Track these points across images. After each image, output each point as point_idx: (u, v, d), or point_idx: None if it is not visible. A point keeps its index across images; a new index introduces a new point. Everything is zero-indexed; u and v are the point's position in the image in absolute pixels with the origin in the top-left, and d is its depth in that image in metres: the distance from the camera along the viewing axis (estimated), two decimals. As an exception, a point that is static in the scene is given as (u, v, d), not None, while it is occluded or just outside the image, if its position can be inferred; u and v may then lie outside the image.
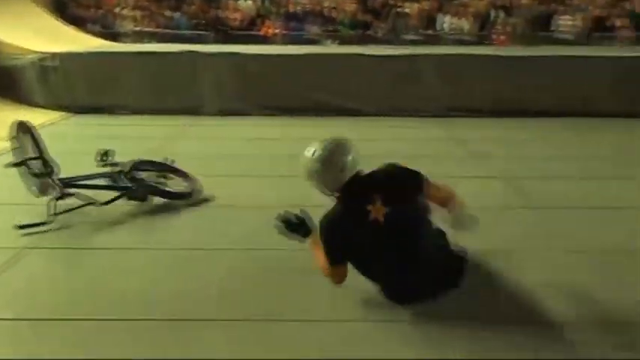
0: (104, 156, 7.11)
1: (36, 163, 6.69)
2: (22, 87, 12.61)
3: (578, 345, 4.31)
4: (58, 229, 6.40)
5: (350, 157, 4.77)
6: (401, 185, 4.82)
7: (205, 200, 7.13)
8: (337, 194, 4.77)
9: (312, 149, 4.87)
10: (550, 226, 6.65)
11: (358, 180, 4.70)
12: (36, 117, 11.26)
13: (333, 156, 4.72)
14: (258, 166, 8.95)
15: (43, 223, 6.29)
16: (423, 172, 4.91)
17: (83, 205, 6.65)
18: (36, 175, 6.64)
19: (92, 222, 6.55)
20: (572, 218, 6.83)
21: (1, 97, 12.25)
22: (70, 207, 6.60)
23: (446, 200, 4.96)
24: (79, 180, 6.86)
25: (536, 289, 5.03)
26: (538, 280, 5.20)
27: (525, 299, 4.92)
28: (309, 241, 4.98)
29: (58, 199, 6.50)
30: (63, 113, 12.31)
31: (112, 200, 6.80)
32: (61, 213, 6.47)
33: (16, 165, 6.71)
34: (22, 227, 6.21)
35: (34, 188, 6.76)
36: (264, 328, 4.51)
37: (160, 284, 5.22)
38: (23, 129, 6.98)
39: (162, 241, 6.21)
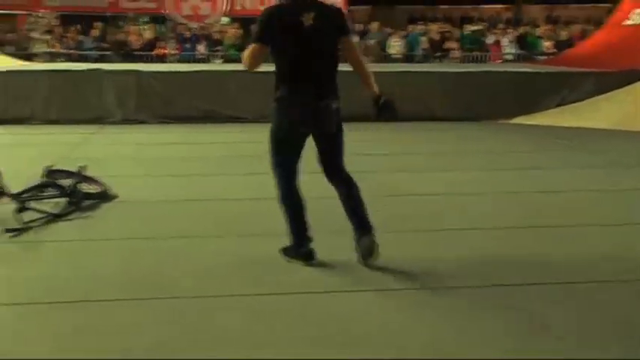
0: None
1: None
2: None
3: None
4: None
5: None
6: (334, 17, 5.16)
7: (114, 198, 7.02)
8: None
9: None
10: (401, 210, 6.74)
11: None
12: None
13: None
14: (157, 166, 9.06)
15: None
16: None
17: (46, 217, 6.28)
18: None
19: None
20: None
21: None
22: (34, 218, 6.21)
23: (366, 76, 5.13)
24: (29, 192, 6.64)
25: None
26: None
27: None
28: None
29: (19, 211, 6.15)
30: None
31: (68, 213, 6.49)
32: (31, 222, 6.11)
33: None
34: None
35: None
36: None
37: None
38: None
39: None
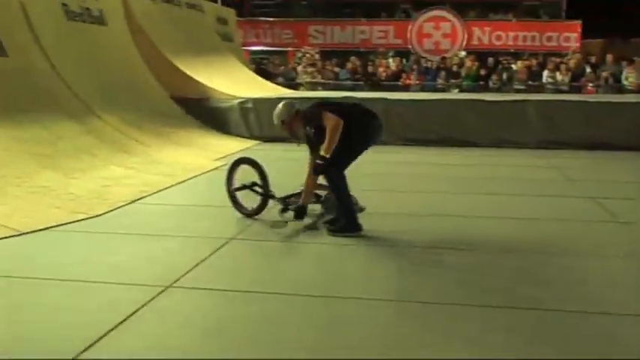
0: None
1: (258, 188, 7.02)
2: (229, 122, 13.32)
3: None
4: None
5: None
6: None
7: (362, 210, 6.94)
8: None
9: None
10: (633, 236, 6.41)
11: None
12: (238, 144, 12.26)
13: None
14: (399, 183, 9.13)
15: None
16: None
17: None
18: (262, 195, 6.95)
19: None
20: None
21: (215, 129, 13.08)
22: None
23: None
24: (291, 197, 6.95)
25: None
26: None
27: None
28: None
29: (283, 211, 6.61)
30: (256, 141, 12.91)
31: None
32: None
33: (242, 188, 7.10)
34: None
35: (249, 208, 7.01)
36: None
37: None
38: (246, 162, 7.41)
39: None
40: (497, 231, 6.56)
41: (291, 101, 7.06)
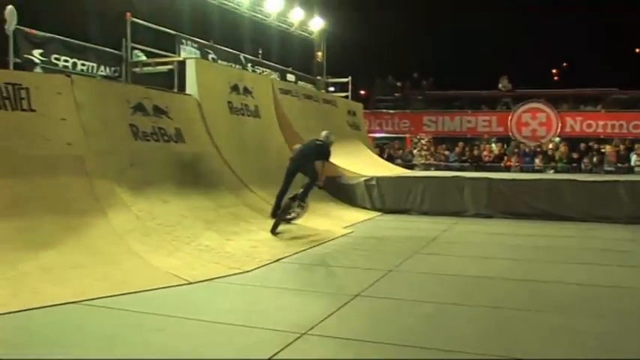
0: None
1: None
2: (355, 197, 13.39)
3: None
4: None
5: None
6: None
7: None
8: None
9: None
10: None
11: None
12: (363, 215, 12.40)
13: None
14: (501, 250, 8.94)
15: None
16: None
17: None
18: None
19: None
20: None
21: (345, 202, 13.18)
22: None
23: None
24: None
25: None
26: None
27: None
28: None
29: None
30: (379, 213, 12.92)
31: None
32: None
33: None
34: None
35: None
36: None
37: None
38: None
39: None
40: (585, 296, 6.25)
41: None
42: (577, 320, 5.34)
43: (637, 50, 41.11)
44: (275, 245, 8.53)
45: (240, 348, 4.49)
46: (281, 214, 9.63)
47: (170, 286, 6.17)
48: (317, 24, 20.23)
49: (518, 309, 5.69)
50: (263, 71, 16.97)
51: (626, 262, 8.13)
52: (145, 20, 12.20)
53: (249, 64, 16.43)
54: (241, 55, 16.01)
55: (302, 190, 9.94)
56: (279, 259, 7.76)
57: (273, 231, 9.30)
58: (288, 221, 9.88)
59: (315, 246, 8.86)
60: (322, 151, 10.17)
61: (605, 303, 5.99)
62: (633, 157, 19.59)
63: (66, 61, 11.06)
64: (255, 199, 10.61)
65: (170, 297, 5.88)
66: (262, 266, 7.32)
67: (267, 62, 17.49)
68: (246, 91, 12.79)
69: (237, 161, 11.11)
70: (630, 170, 18.98)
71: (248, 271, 7.02)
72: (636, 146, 20.62)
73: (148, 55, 12.55)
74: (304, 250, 8.51)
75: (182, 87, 11.31)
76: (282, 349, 4.40)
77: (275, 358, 4.26)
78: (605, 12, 34.72)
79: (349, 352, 4.55)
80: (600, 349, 4.55)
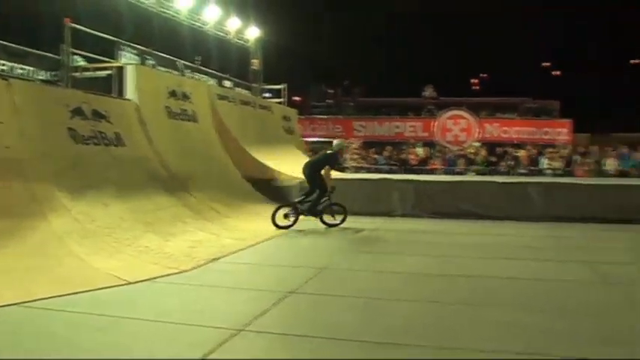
0: None
1: None
2: (290, 198, 12.49)
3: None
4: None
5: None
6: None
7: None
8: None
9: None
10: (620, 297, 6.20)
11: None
12: (297, 215, 12.54)
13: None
14: (429, 248, 9.07)
15: None
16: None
17: None
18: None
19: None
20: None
21: (279, 204, 12.53)
22: None
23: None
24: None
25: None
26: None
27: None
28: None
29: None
30: None
31: None
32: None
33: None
34: None
35: None
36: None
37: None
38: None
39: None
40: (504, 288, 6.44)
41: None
42: (504, 312, 5.49)
43: (544, 64, 42.81)
44: (212, 245, 8.43)
45: (179, 346, 4.43)
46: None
47: (110, 287, 6.02)
48: (253, 33, 20.15)
49: (450, 303, 5.80)
50: (201, 78, 16.76)
51: (548, 256, 8.38)
52: (84, 26, 11.85)
53: (188, 71, 16.21)
54: (180, 62, 15.77)
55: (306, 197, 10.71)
56: (217, 259, 7.66)
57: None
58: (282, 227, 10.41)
59: (251, 246, 8.79)
60: (328, 157, 10.81)
61: (533, 295, 6.16)
62: (544, 161, 20.36)
63: (3, 65, 10.64)
64: (194, 201, 10.47)
65: (110, 297, 5.74)
66: (200, 266, 7.22)
67: (205, 69, 17.31)
68: (185, 96, 12.62)
69: (176, 164, 10.94)
70: (541, 173, 19.70)
71: (186, 271, 6.91)
72: (546, 151, 21.45)
73: (88, 60, 12.20)
74: (241, 249, 8.43)
75: (121, 92, 11.06)
76: (220, 346, 4.37)
77: (213, 354, 4.22)
78: (518, 29, 36.03)
79: (285, 346, 4.55)
80: (532, 340, 4.70)
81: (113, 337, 4.60)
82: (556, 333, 4.83)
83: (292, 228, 10.40)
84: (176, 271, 6.87)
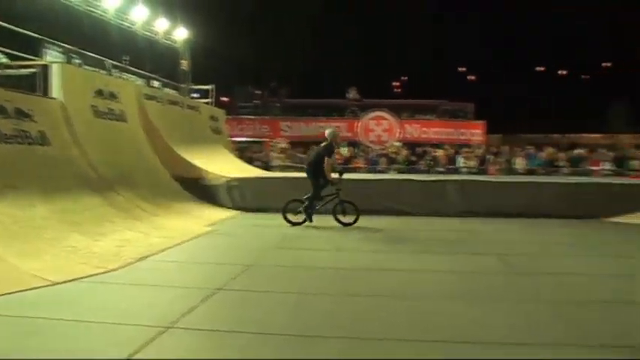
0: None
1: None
2: (217, 197, 13.14)
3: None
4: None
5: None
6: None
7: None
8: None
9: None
10: (524, 283, 6.53)
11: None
12: (225, 213, 12.24)
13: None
14: (353, 243, 9.19)
15: None
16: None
17: None
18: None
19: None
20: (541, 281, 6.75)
21: (207, 202, 12.82)
22: None
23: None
24: None
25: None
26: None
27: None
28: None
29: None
30: (239, 212, 12.74)
31: None
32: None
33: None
34: None
35: None
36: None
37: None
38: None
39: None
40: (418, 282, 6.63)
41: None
42: (422, 302, 5.68)
43: (460, 69, 44.17)
44: (141, 244, 8.28)
45: (104, 345, 4.36)
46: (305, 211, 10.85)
47: (35, 288, 5.83)
48: (181, 34, 19.83)
49: (371, 295, 5.94)
50: (129, 78, 16.34)
51: (462, 249, 8.71)
52: (10, 23, 11.32)
53: (116, 70, 15.77)
54: (107, 61, 15.32)
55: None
56: (145, 257, 7.55)
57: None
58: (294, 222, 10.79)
59: (179, 244, 8.70)
60: (323, 149, 10.80)
61: (448, 286, 6.38)
62: (460, 160, 21.03)
63: None
64: (122, 201, 10.22)
65: (35, 299, 5.56)
66: (128, 265, 7.10)
67: (133, 69, 16.89)
68: (112, 96, 12.30)
69: (104, 163, 10.64)
70: (457, 171, 20.36)
71: (114, 270, 6.78)
72: (462, 150, 22.17)
73: (11, 57, 11.67)
74: (169, 247, 8.33)
75: (46, 91, 10.66)
76: (147, 344, 4.34)
77: (139, 353, 4.18)
78: (436, 35, 37.05)
79: (213, 343, 4.56)
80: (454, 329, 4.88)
81: (36, 340, 4.47)
82: (469, 319, 5.05)
83: (217, 228, 10.35)
84: (103, 270, 6.72)
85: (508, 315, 5.27)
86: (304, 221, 10.76)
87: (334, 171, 10.88)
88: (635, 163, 20.22)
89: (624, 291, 6.19)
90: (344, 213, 10.82)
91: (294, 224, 10.72)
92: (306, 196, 10.86)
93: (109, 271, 6.71)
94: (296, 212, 10.83)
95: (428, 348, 4.41)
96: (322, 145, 11.07)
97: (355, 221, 10.74)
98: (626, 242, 9.65)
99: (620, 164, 20.38)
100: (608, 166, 20.37)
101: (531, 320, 5.12)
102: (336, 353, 4.29)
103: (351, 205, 10.88)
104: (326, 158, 10.71)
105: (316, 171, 10.76)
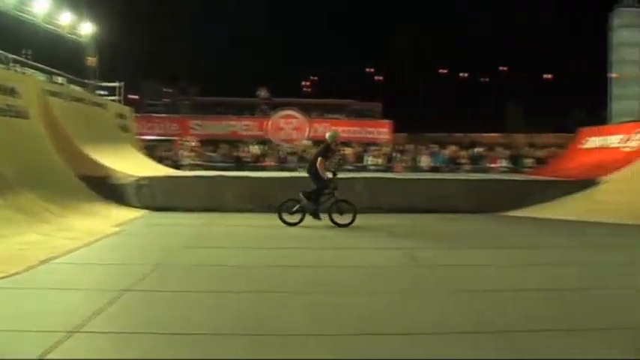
0: None
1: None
2: (125, 196, 12.74)
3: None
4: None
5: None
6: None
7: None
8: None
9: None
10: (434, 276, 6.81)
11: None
12: (133, 213, 11.90)
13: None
14: (262, 241, 9.15)
15: None
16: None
17: None
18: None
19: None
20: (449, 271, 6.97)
21: (114, 202, 12.37)
22: None
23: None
24: None
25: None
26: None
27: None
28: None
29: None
30: (148, 211, 12.42)
31: None
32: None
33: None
34: None
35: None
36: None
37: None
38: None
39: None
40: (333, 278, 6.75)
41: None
42: (327, 297, 5.74)
43: (367, 69, 45.15)
44: (44, 247, 7.90)
45: (6, 354, 4.14)
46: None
47: None
48: (87, 29, 19.05)
49: (277, 292, 5.97)
50: (31, 73, 15.50)
51: (369, 245, 8.93)
52: None
53: (17, 65, 14.93)
54: (5, 55, 14.46)
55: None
56: (48, 260, 7.23)
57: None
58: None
59: (85, 245, 8.38)
60: (319, 150, 10.96)
61: (352, 280, 6.48)
62: (368, 158, 21.54)
63: None
64: (24, 202, 9.71)
65: None
66: (30, 268, 6.77)
67: (35, 63, 16.06)
68: (12, 91, 11.66)
69: (3, 163, 10.06)
70: (365, 169, 20.82)
71: (16, 274, 6.46)
72: (369, 149, 22.72)
73: None
74: (74, 249, 8.01)
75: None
76: (51, 350, 4.17)
77: (44, 359, 4.02)
78: (346, 35, 37.66)
79: (119, 345, 4.46)
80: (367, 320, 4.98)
81: None
82: (372, 311, 5.21)
83: (124, 228, 10.06)
84: (5, 274, 6.38)
85: (409, 305, 5.48)
86: (300, 221, 10.57)
87: (328, 171, 10.84)
88: (528, 161, 21.48)
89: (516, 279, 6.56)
90: (340, 212, 10.63)
91: (290, 224, 10.50)
92: (301, 196, 10.70)
93: (9, 276, 6.38)
94: (292, 212, 10.61)
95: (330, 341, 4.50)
96: (321, 146, 11.26)
97: (352, 222, 10.54)
98: (518, 235, 10.23)
99: (516, 162, 21.60)
100: (504, 163, 21.51)
101: (435, 310, 5.33)
102: (241, 352, 4.28)
103: (347, 204, 10.72)
104: (320, 158, 10.67)
105: (313, 173, 10.76)
